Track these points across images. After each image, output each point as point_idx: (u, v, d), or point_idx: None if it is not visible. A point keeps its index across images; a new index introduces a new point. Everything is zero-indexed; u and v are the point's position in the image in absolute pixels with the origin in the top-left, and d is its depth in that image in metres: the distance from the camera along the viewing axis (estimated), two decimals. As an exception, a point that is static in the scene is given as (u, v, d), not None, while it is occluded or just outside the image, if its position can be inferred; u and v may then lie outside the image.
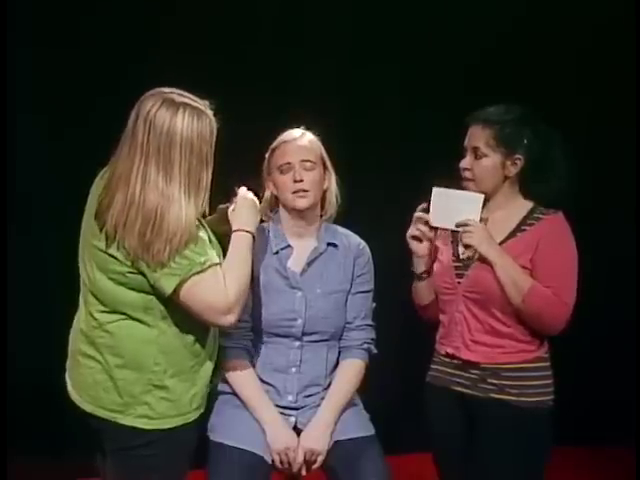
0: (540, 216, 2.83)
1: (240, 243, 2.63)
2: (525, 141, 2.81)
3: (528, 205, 2.86)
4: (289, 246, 2.92)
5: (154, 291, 2.51)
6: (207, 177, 2.53)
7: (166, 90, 2.52)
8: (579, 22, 4.36)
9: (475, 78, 4.29)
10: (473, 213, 2.79)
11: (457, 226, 2.79)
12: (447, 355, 2.89)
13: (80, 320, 2.61)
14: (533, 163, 2.82)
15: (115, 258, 2.49)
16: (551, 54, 4.38)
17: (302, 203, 2.87)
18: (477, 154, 2.83)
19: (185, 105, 2.49)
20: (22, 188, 3.96)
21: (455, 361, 2.87)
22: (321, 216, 2.97)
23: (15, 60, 3.87)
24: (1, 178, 3.86)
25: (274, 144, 2.94)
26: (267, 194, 2.96)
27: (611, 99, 4.37)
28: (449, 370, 2.89)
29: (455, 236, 2.89)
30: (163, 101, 2.48)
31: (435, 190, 2.84)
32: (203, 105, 2.53)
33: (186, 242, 2.46)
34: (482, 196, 2.80)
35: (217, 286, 2.50)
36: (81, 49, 3.97)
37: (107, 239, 2.48)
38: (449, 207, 2.81)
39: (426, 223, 2.85)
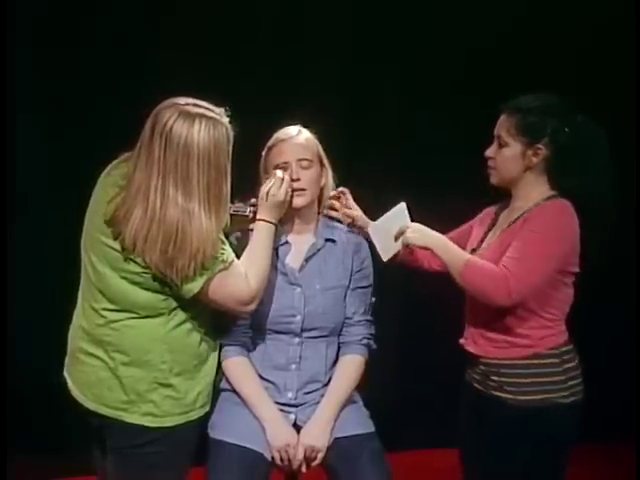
0: (540, 203, 2.73)
1: (263, 233, 2.69)
2: (549, 131, 2.70)
3: (546, 196, 2.75)
4: (287, 242, 2.93)
5: (171, 291, 2.51)
6: (227, 188, 2.54)
7: (181, 101, 2.50)
8: (579, 22, 4.36)
9: (475, 78, 4.29)
10: (402, 221, 2.82)
11: (396, 241, 2.81)
12: (461, 348, 2.86)
13: (80, 316, 2.61)
14: (559, 154, 2.71)
15: (133, 261, 2.49)
16: (551, 54, 4.37)
17: (299, 202, 2.87)
18: (500, 143, 2.76)
19: (201, 116, 2.47)
20: (22, 188, 3.96)
21: (467, 355, 2.84)
22: (318, 213, 2.98)
23: (15, 60, 3.88)
24: (1, 178, 3.87)
25: (270, 142, 2.93)
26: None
27: (611, 99, 4.36)
28: (469, 365, 2.87)
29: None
30: (179, 114, 2.46)
31: (369, 229, 2.90)
32: (219, 114, 2.52)
33: (211, 255, 2.48)
34: (404, 204, 2.83)
35: (240, 279, 2.56)
36: (81, 49, 3.97)
37: (124, 248, 2.48)
38: (385, 234, 2.84)
39: (338, 198, 2.97)
